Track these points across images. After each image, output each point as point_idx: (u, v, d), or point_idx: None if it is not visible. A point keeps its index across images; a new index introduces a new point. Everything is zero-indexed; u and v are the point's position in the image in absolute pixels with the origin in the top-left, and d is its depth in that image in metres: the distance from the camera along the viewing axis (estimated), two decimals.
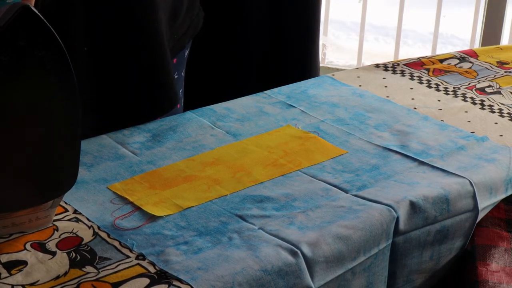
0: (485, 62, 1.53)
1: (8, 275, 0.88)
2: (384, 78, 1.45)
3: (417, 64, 1.51)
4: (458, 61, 1.54)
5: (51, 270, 0.89)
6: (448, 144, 1.20)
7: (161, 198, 1.03)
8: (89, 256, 0.91)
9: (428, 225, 1.07)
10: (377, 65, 1.51)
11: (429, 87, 1.42)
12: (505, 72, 1.49)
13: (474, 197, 1.10)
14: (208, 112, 1.28)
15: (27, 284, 0.87)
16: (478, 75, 1.48)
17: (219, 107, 1.30)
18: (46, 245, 0.93)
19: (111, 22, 1.21)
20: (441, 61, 1.53)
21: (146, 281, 0.88)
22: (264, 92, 1.37)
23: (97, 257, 0.91)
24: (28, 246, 0.93)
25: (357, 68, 1.52)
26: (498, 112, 1.32)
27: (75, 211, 1.00)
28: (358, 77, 1.45)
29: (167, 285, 0.87)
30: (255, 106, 1.31)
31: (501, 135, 1.25)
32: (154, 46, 1.23)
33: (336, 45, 4.10)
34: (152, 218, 0.99)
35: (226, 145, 1.18)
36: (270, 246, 0.94)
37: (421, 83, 1.43)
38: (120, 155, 1.14)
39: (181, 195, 1.04)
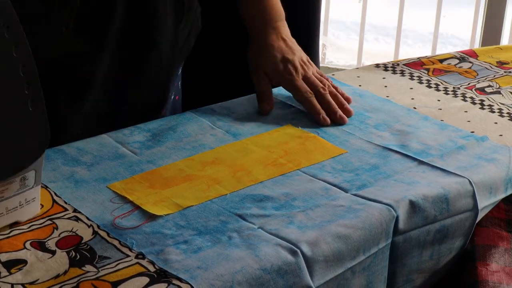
0: (485, 62, 1.53)
1: (7, 274, 0.88)
2: (384, 78, 1.45)
3: (417, 64, 1.51)
4: (458, 61, 1.54)
5: (51, 269, 0.89)
6: (447, 144, 1.20)
7: (161, 197, 1.03)
8: (88, 255, 0.91)
9: (427, 225, 1.07)
10: (377, 65, 1.51)
11: (429, 87, 1.42)
12: (504, 72, 1.49)
13: (473, 196, 1.10)
14: (208, 111, 1.28)
15: (26, 283, 0.87)
16: (478, 75, 1.48)
17: (219, 107, 1.30)
18: (46, 244, 0.93)
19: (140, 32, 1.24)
20: (441, 61, 1.53)
21: (146, 280, 0.88)
22: None
23: (97, 256, 0.91)
24: (27, 245, 0.93)
25: (357, 68, 1.52)
26: (498, 112, 1.32)
27: (75, 210, 1.00)
28: (358, 77, 1.45)
29: (166, 284, 0.87)
30: (255, 106, 1.31)
31: (501, 135, 1.25)
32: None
33: (336, 45, 4.10)
34: (152, 217, 0.99)
35: (226, 144, 1.18)
36: (269, 245, 0.94)
37: (421, 83, 1.43)
38: (120, 155, 1.14)
39: (181, 195, 1.04)
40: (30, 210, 0.97)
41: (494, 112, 1.32)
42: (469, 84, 1.44)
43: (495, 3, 3.07)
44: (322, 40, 2.56)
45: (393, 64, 1.51)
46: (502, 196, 1.16)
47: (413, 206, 1.05)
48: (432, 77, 1.46)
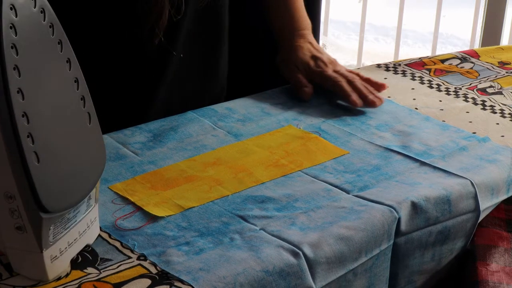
0: (487, 62, 1.53)
1: (9, 276, 0.88)
2: (385, 79, 1.44)
3: (419, 64, 1.51)
4: (459, 61, 1.53)
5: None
6: (449, 145, 1.20)
7: (163, 199, 1.03)
8: (90, 257, 0.91)
9: (429, 226, 1.07)
10: (378, 65, 1.51)
11: (431, 87, 1.42)
12: (506, 72, 1.49)
13: (475, 198, 1.10)
14: (210, 112, 1.28)
15: (28, 286, 0.87)
16: (479, 75, 1.48)
17: (220, 107, 1.30)
18: None
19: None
20: (443, 61, 1.53)
21: (148, 281, 0.87)
22: (265, 92, 1.37)
23: (99, 258, 0.91)
24: None
25: (358, 68, 1.52)
26: (500, 113, 1.32)
27: None
28: None
29: (168, 286, 0.87)
30: (256, 106, 1.31)
31: (503, 136, 1.24)
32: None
33: (336, 45, 4.10)
34: (154, 218, 0.99)
35: (227, 145, 1.18)
36: (271, 247, 0.94)
37: (422, 83, 1.43)
38: (121, 155, 1.13)
39: (183, 196, 1.04)
40: (94, 230, 0.93)
41: (495, 113, 1.32)
42: (470, 84, 1.43)
43: (495, 3, 3.06)
44: (322, 40, 2.56)
45: (394, 65, 1.51)
46: (504, 197, 1.15)
47: (415, 207, 1.05)
48: (434, 78, 1.46)
